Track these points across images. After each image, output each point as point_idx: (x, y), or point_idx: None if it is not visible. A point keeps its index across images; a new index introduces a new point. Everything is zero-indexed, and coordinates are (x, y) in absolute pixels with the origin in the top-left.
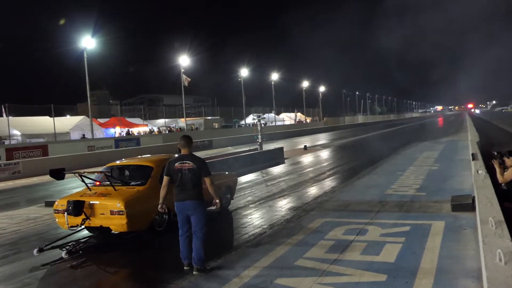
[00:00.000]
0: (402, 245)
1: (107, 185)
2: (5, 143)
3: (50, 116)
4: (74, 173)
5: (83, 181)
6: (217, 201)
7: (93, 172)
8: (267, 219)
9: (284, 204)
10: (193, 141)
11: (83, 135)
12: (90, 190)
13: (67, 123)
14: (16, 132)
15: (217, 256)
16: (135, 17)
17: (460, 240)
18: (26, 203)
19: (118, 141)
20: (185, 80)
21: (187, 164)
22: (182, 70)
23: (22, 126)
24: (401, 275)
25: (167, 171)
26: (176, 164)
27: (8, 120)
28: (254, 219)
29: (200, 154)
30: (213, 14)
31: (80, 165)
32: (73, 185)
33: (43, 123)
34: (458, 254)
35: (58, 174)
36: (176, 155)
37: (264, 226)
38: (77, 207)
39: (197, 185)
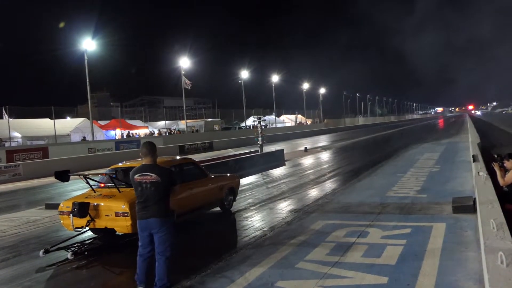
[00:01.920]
0: (403, 247)
1: (112, 187)
2: (6, 145)
3: (51, 118)
4: (79, 175)
5: (87, 183)
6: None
7: (98, 174)
8: (268, 221)
9: (284, 206)
10: (194, 143)
11: (84, 137)
12: (94, 192)
13: (67, 125)
14: (16, 134)
15: (218, 259)
16: (136, 19)
17: (461, 242)
18: (26, 205)
19: (118, 143)
20: (186, 83)
21: (149, 177)
22: (183, 72)
23: (22, 128)
24: (403, 278)
25: (131, 181)
26: (136, 177)
27: (8, 122)
28: (255, 221)
29: (201, 156)
30: (214, 16)
31: (80, 167)
32: (73, 187)
33: (43, 125)
34: (459, 256)
35: (63, 175)
36: (175, 158)
37: (265, 229)
38: (82, 208)
39: (161, 200)
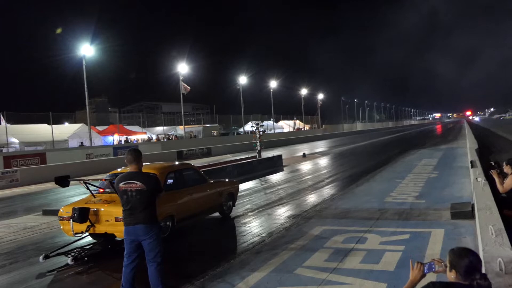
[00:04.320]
0: (402, 253)
1: (111, 192)
2: (3, 151)
3: (49, 123)
4: (79, 180)
5: (88, 188)
6: (161, 224)
7: (98, 180)
8: (266, 227)
9: (283, 212)
10: (192, 148)
11: (82, 143)
12: (94, 197)
13: (65, 130)
14: (14, 140)
15: (216, 265)
16: (134, 25)
17: None
18: (23, 211)
19: (116, 149)
20: (184, 89)
21: (134, 185)
22: (181, 78)
23: (20, 134)
24: (401, 284)
25: (115, 189)
26: (121, 185)
27: (6, 127)
28: (253, 227)
29: (199, 161)
30: (212, 21)
31: (78, 173)
32: (71, 193)
33: (41, 131)
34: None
35: (63, 181)
36: (175, 163)
37: (263, 235)
38: (82, 214)
39: (148, 208)
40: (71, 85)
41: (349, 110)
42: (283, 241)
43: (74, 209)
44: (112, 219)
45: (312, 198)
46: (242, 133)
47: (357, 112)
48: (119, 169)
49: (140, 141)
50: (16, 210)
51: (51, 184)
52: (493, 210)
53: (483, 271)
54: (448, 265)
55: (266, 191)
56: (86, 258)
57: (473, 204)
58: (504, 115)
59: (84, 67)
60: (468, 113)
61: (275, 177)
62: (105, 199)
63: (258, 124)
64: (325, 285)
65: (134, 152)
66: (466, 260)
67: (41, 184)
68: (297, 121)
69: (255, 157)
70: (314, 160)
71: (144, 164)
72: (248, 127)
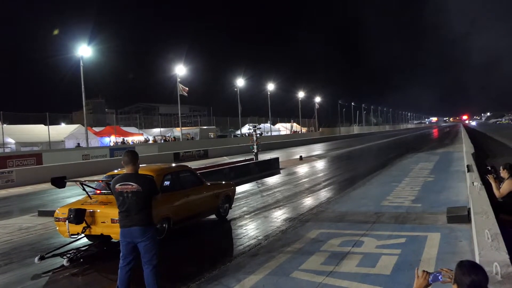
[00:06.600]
0: (398, 257)
1: (108, 194)
2: None
3: (45, 124)
4: (75, 181)
5: (84, 189)
6: (158, 226)
7: (94, 181)
8: (263, 230)
9: (279, 215)
10: (189, 150)
11: (78, 143)
12: (91, 199)
13: (62, 131)
14: (10, 140)
15: (212, 268)
16: (132, 26)
17: (456, 252)
18: (19, 212)
19: (113, 150)
20: (182, 90)
21: (130, 186)
22: (178, 80)
23: (16, 134)
24: None
25: (112, 190)
26: (117, 186)
27: (2, 128)
28: (249, 230)
29: (196, 163)
30: (210, 23)
31: (74, 174)
32: (67, 194)
33: (37, 132)
34: (454, 267)
35: (59, 182)
36: (172, 165)
37: (259, 237)
38: (78, 215)
39: (143, 210)
40: (68, 86)
41: (346, 113)
42: (280, 244)
43: (70, 210)
44: (108, 221)
45: (308, 201)
46: (239, 136)
47: (354, 116)
48: (115, 171)
49: (136, 143)
50: (11, 210)
51: (47, 185)
52: (489, 214)
53: None
54: (453, 277)
55: (263, 193)
56: (81, 260)
57: (469, 208)
58: (500, 119)
59: (81, 68)
60: (465, 117)
61: (272, 180)
62: (102, 200)
63: (255, 126)
64: None
65: (130, 153)
66: (468, 279)
67: (37, 184)
68: (294, 124)
69: (252, 159)
70: (311, 163)
71: (140, 165)
72: (245, 129)
